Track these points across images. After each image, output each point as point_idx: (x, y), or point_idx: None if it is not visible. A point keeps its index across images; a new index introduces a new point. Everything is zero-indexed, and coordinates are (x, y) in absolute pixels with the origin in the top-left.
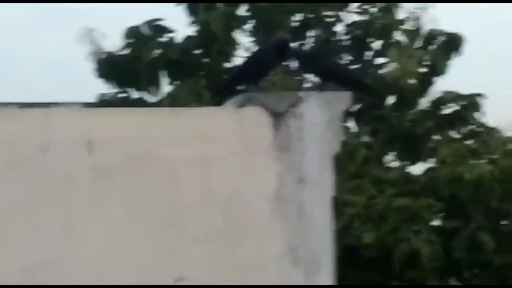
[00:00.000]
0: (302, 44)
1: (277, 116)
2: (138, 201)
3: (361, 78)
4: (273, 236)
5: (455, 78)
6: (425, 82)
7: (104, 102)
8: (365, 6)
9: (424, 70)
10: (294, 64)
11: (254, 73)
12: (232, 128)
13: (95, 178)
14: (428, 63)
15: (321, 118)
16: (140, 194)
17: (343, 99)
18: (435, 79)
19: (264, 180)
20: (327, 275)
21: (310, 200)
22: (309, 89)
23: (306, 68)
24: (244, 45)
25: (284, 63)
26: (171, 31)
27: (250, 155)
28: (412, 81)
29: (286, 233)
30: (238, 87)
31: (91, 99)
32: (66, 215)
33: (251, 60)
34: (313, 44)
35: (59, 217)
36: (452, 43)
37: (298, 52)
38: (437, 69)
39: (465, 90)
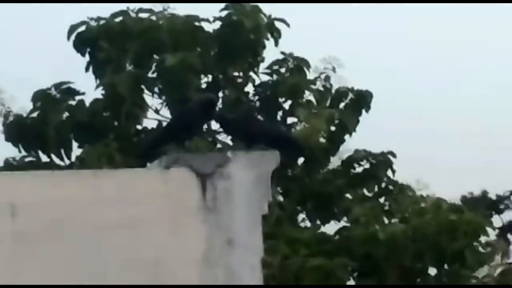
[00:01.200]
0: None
1: (204, 177)
2: (61, 266)
3: (290, 136)
4: None
5: (365, 136)
6: (335, 140)
7: (12, 166)
8: (275, 67)
9: (333, 128)
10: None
11: (179, 134)
12: (158, 190)
13: (17, 242)
14: (337, 121)
15: (249, 178)
16: (64, 259)
17: (270, 159)
18: (344, 137)
19: (191, 243)
20: None
21: (239, 262)
22: (236, 149)
23: (231, 133)
24: (153, 106)
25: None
26: (80, 94)
27: (177, 217)
28: (322, 139)
29: None
30: (163, 148)
31: None
32: None
33: (176, 120)
34: (226, 104)
35: None
36: (361, 100)
37: (223, 117)
38: (346, 127)
39: (375, 148)
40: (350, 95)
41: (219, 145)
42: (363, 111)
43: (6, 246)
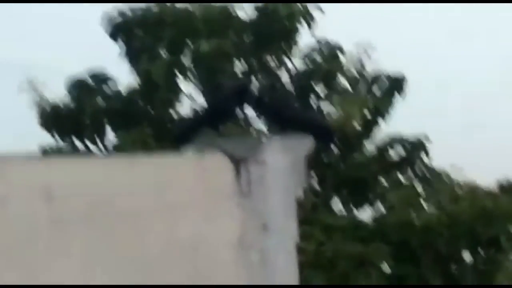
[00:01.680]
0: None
1: (239, 162)
2: (99, 252)
3: (324, 122)
4: (237, 284)
5: (400, 119)
6: (369, 125)
7: (47, 154)
8: (309, 53)
9: (368, 114)
10: (252, 111)
11: (214, 118)
12: (193, 175)
13: (54, 229)
14: (372, 106)
15: (283, 164)
16: (101, 245)
17: (305, 144)
18: (379, 122)
19: (227, 227)
20: None
21: (273, 247)
22: (270, 134)
23: (266, 116)
24: (188, 93)
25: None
26: (114, 81)
27: (212, 202)
28: (356, 125)
29: (250, 281)
30: (198, 133)
31: (34, 150)
32: (25, 267)
33: (211, 106)
34: (260, 90)
35: (18, 269)
36: (394, 85)
37: (259, 100)
38: (380, 112)
39: (410, 130)
40: (384, 80)
41: (254, 133)
42: (398, 95)
43: (42, 231)
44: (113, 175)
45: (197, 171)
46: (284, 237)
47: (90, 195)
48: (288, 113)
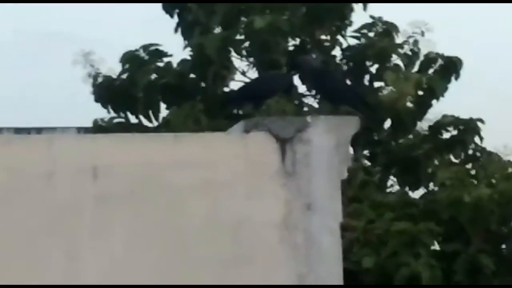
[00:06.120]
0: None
1: (284, 142)
2: (143, 229)
3: (364, 97)
4: (281, 264)
5: (453, 102)
6: (422, 105)
7: (100, 127)
8: (363, 31)
9: (421, 93)
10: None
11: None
12: (238, 154)
13: (99, 205)
14: (425, 86)
15: (329, 143)
16: (145, 222)
17: (350, 124)
18: (432, 102)
19: (271, 207)
20: None
21: (318, 226)
22: (315, 113)
23: (308, 82)
24: (240, 68)
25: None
26: (167, 55)
27: (256, 181)
28: (409, 103)
29: (294, 261)
30: (244, 102)
31: (88, 123)
32: (70, 242)
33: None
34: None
35: (63, 244)
36: (450, 67)
37: (307, 66)
38: (434, 92)
39: (463, 114)
40: (440, 61)
41: (305, 108)
42: (452, 78)
43: (87, 207)
44: (158, 153)
45: (242, 150)
46: (329, 217)
47: (135, 172)
48: (329, 85)
